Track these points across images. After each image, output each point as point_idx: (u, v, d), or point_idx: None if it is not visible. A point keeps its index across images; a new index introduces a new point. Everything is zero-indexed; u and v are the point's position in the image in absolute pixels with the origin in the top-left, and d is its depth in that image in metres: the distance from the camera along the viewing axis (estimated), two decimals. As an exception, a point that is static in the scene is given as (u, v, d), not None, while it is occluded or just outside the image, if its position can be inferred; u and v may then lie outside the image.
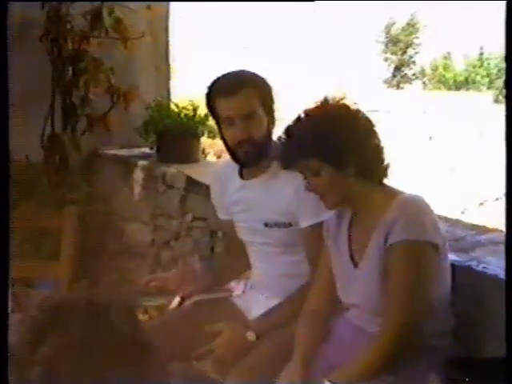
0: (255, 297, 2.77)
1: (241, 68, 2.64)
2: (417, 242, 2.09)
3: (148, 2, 4.42)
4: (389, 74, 25.23)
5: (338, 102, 2.25)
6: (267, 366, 2.37)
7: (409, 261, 2.10)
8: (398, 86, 23.72)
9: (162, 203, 4.05)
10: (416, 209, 2.14)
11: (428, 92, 23.36)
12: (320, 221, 2.48)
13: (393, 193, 2.21)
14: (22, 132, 4.13)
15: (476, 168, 13.08)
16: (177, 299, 3.20)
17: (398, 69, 24.80)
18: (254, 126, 2.52)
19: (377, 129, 2.25)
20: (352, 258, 2.27)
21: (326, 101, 2.26)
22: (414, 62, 26.10)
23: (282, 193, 2.56)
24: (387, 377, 2.08)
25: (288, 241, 2.61)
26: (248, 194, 2.69)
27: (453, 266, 2.28)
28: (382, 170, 2.25)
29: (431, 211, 2.16)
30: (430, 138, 14.27)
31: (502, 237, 2.61)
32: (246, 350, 2.47)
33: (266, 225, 2.63)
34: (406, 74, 24.94)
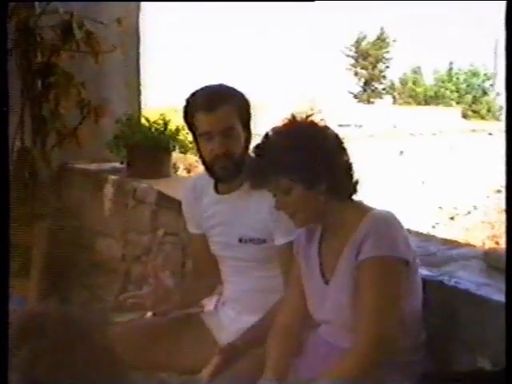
0: (226, 313, 2.79)
1: (211, 82, 2.64)
2: (387, 257, 2.11)
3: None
4: (359, 89, 25.40)
5: (306, 118, 2.27)
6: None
7: (379, 276, 2.12)
8: (368, 101, 23.88)
9: (133, 218, 4.05)
10: (386, 225, 2.17)
11: (398, 107, 23.52)
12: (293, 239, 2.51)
13: (363, 209, 2.23)
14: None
15: (446, 182, 13.21)
16: (148, 315, 3.22)
17: (368, 83, 25.03)
18: (232, 141, 2.54)
19: (345, 145, 2.27)
20: (323, 274, 2.29)
21: (293, 118, 2.27)
22: (384, 76, 26.33)
23: (258, 209, 2.57)
24: None
25: (262, 256, 2.63)
26: (223, 209, 2.69)
27: (425, 280, 2.31)
28: (352, 186, 2.27)
29: (401, 227, 2.19)
30: (401, 152, 14.39)
31: (473, 251, 2.65)
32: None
33: (240, 240, 2.64)
34: (376, 89, 25.15)
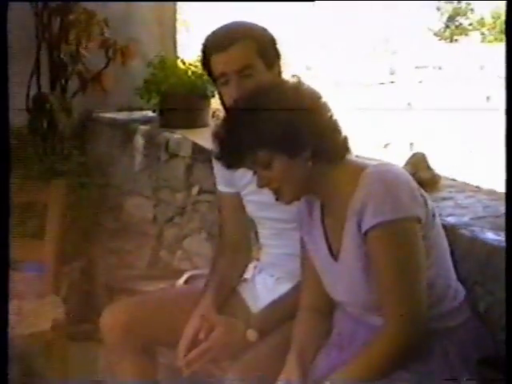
0: (264, 280, 2.78)
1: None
2: (394, 221, 2.03)
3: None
4: (441, 25, 24.89)
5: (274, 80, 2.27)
6: (268, 365, 2.35)
7: (390, 246, 2.06)
8: (451, 39, 23.42)
9: (165, 174, 4.03)
10: (385, 183, 2.08)
11: (487, 44, 23.04)
12: None
13: (357, 168, 2.15)
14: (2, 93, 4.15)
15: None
16: (183, 278, 3.23)
17: (452, 18, 24.46)
18: (252, 83, 2.44)
19: (324, 99, 2.19)
20: (330, 251, 2.25)
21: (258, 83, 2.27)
22: (471, 10, 25.68)
23: None
24: (402, 374, 2.06)
25: None
26: None
27: (489, 245, 2.26)
28: (341, 145, 2.20)
29: (406, 180, 2.12)
30: (488, 98, 14.11)
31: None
32: (245, 349, 2.46)
33: (277, 199, 2.62)
34: (461, 24, 24.58)
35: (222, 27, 2.55)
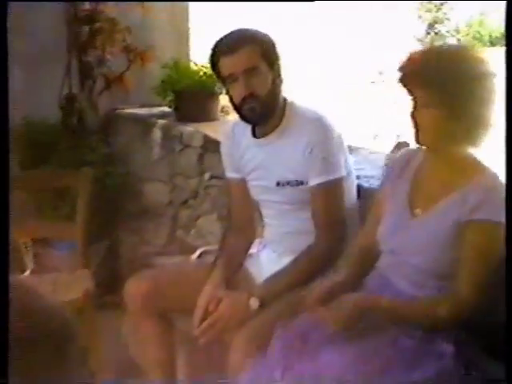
0: (267, 254, 2.77)
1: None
2: (499, 224, 1.99)
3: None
4: (423, 32, 24.72)
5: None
6: (271, 331, 2.30)
7: (490, 241, 2.05)
8: (431, 44, 23.27)
9: (180, 162, 4.00)
10: (501, 191, 2.01)
11: (462, 49, 22.96)
12: (329, 179, 2.51)
13: (477, 163, 2.13)
14: (38, 93, 4.14)
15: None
16: (197, 253, 3.22)
17: (431, 26, 24.31)
18: (257, 82, 2.51)
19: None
20: (411, 208, 2.21)
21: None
22: (448, 19, 25.50)
23: (294, 150, 2.56)
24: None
25: (300, 199, 2.60)
26: (260, 152, 2.68)
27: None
28: (480, 137, 2.13)
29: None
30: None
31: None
32: (250, 318, 2.44)
33: (278, 184, 2.62)
34: (439, 31, 24.45)
35: (229, 34, 2.57)
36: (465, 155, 2.14)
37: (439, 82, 2.04)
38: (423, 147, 2.22)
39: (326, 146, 2.53)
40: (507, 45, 1.57)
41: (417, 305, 2.12)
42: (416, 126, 2.12)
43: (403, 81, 2.13)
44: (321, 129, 2.52)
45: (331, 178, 2.52)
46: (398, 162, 2.34)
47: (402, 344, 2.06)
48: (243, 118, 2.61)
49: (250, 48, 2.51)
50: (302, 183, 2.57)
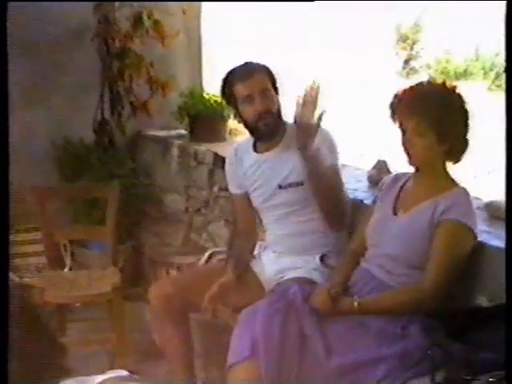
0: (268, 255, 2.76)
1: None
2: (466, 226, 2.07)
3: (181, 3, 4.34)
4: (400, 67, 24.68)
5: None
6: None
7: (456, 239, 2.08)
8: (407, 77, 23.25)
9: (194, 176, 4.01)
10: (468, 200, 2.13)
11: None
12: None
13: (453, 181, 2.18)
14: (76, 118, 4.16)
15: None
16: (206, 255, 3.20)
17: (407, 62, 24.29)
18: (270, 101, 2.58)
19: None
20: (394, 207, 2.24)
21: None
22: (420, 56, 25.49)
23: (293, 158, 2.56)
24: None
25: (300, 199, 2.60)
26: (263, 165, 2.68)
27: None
28: (461, 155, 2.17)
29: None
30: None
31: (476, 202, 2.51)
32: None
33: (280, 186, 2.62)
34: (414, 67, 24.44)
35: (241, 65, 2.63)
36: (442, 172, 2.17)
37: (428, 113, 2.07)
38: (412, 171, 2.25)
39: (327, 148, 2.55)
40: (507, 45, 1.52)
41: (386, 297, 2.13)
42: (407, 151, 2.15)
43: (394, 115, 2.15)
44: (320, 134, 2.48)
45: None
46: (387, 183, 2.37)
47: (370, 324, 2.07)
48: (258, 132, 2.63)
49: (263, 74, 2.59)
50: (302, 184, 2.58)
